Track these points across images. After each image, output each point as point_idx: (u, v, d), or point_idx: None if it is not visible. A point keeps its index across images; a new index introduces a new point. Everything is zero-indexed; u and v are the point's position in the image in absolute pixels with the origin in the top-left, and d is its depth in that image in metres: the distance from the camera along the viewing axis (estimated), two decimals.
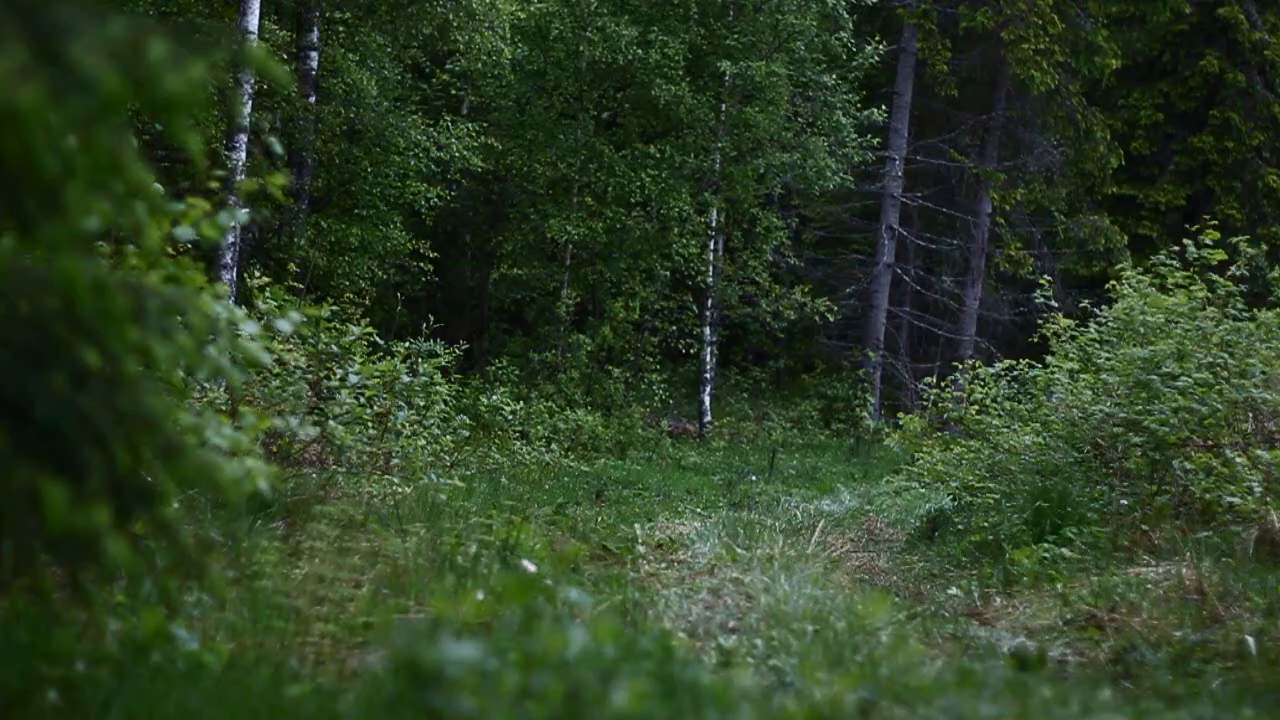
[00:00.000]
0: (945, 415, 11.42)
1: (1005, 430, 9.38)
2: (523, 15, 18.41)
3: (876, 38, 20.95)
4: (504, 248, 20.25)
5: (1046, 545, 6.89)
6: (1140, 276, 8.98)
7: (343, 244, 16.40)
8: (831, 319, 21.62)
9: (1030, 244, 25.64)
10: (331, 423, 6.89)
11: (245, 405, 6.65)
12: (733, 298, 21.06)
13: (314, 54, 16.11)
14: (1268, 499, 6.51)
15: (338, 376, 7.36)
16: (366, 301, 14.87)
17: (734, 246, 21.85)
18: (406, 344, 8.57)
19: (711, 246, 20.52)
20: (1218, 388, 7.40)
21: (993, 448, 9.36)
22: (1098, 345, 9.02)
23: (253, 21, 12.77)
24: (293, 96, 15.60)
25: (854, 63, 20.48)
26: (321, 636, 3.98)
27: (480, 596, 4.33)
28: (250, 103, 12.78)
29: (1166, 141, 25.92)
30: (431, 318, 10.69)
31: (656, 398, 19.75)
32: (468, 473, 10.29)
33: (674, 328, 20.60)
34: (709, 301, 20.72)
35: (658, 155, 19.01)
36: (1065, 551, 6.73)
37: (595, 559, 6.93)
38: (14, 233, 2.45)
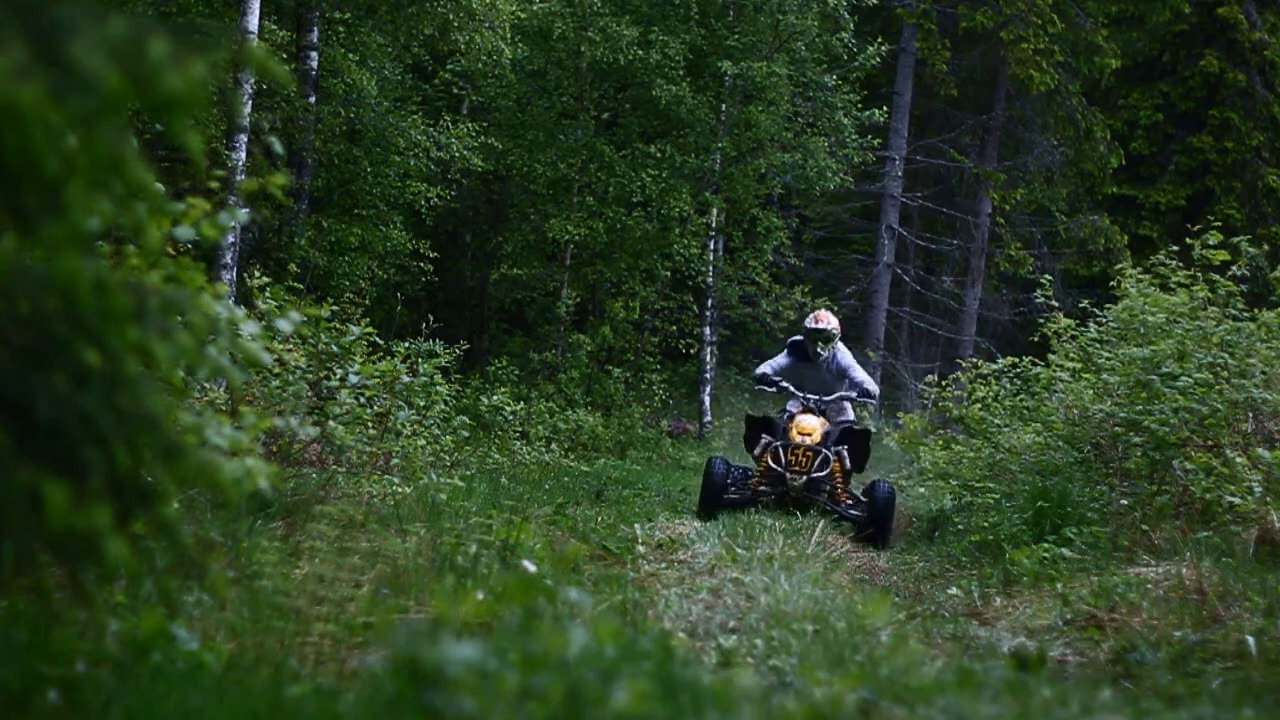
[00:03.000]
0: (947, 414, 11.43)
1: (1006, 430, 9.38)
2: (523, 15, 18.41)
3: (878, 38, 20.95)
4: (504, 248, 20.25)
5: (1046, 545, 6.89)
6: (1143, 275, 8.99)
7: (343, 244, 16.40)
8: None
9: (1030, 244, 25.65)
10: (331, 423, 6.88)
11: (245, 405, 6.65)
12: (733, 298, 21.07)
13: (314, 54, 16.11)
14: (1268, 499, 6.51)
15: (338, 376, 7.36)
16: (366, 301, 14.84)
17: (734, 246, 21.86)
18: (406, 344, 8.57)
19: (711, 246, 20.53)
20: (1218, 388, 7.41)
21: (993, 447, 9.36)
22: (1098, 345, 9.03)
23: (253, 21, 12.77)
24: (293, 96, 15.60)
25: (855, 63, 20.49)
26: (321, 636, 3.98)
27: (480, 596, 4.33)
28: (250, 103, 12.78)
29: (1166, 141, 25.93)
30: (431, 318, 10.67)
31: (656, 398, 19.76)
32: (468, 473, 10.29)
33: (674, 328, 20.60)
34: (709, 301, 20.73)
35: (658, 155, 19.02)
36: (1065, 551, 6.73)
37: (595, 559, 6.93)
38: (14, 232, 2.45)
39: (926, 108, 25.84)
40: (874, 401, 10.72)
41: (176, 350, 2.77)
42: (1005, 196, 24.26)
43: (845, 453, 9.80)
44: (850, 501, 9.70)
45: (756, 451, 9.95)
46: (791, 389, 10.38)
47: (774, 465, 9.68)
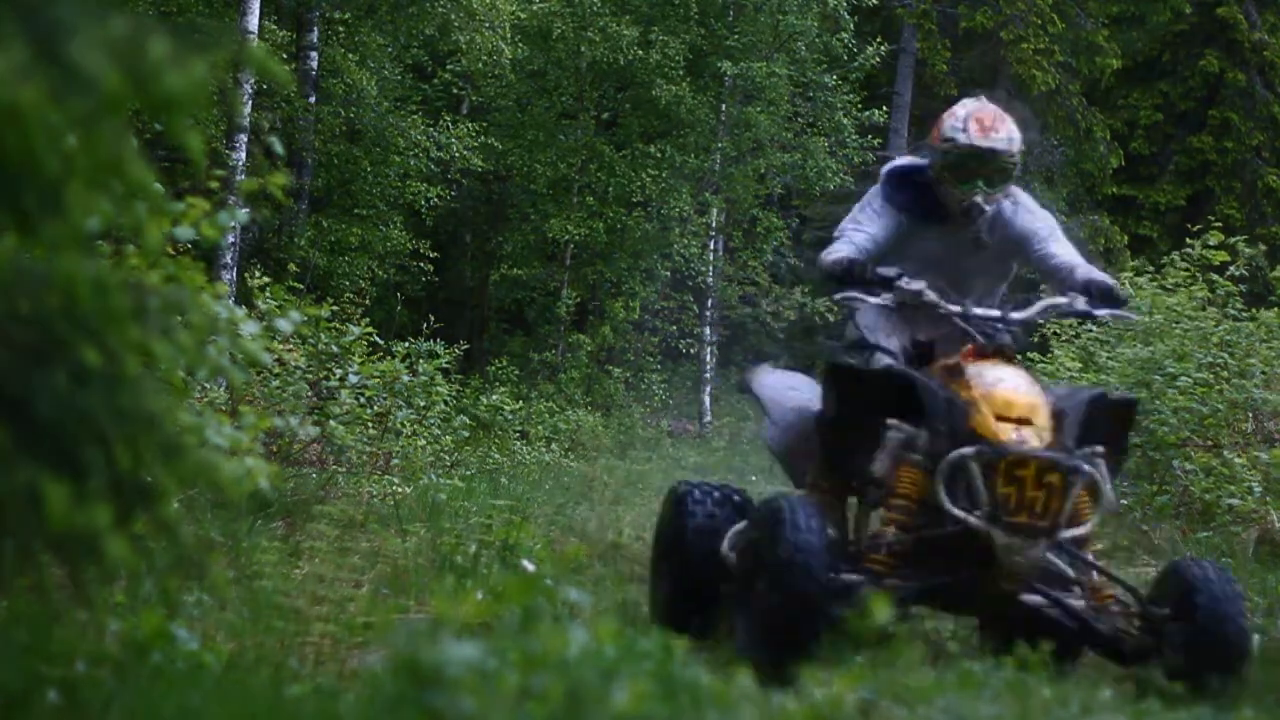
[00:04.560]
0: None
1: None
2: (523, 15, 18.42)
3: (878, 38, 20.96)
4: (504, 248, 20.26)
5: None
6: (1155, 276, 8.98)
7: (343, 244, 16.41)
8: (832, 319, 21.60)
9: None
10: (331, 423, 6.89)
11: (245, 405, 6.65)
12: (733, 298, 21.08)
13: (314, 54, 16.12)
14: (1268, 499, 6.53)
15: (338, 376, 7.36)
16: (366, 301, 14.85)
17: (734, 246, 21.87)
18: (406, 344, 8.57)
19: (711, 246, 20.54)
20: (1218, 388, 7.42)
21: None
22: (1099, 344, 9.04)
23: (253, 21, 12.77)
24: (293, 96, 15.61)
25: (854, 63, 20.50)
26: (321, 636, 3.98)
27: (480, 596, 4.33)
28: (250, 103, 12.80)
29: (1166, 141, 25.92)
30: (431, 318, 10.68)
31: (656, 398, 19.76)
32: (468, 473, 10.28)
33: (674, 328, 20.60)
34: (709, 301, 20.73)
35: (658, 155, 19.02)
36: None
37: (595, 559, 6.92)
38: (14, 232, 2.45)
39: (926, 108, 25.79)
40: (1131, 317, 5.38)
41: (176, 350, 2.77)
42: None
43: (1103, 466, 4.13)
44: (1116, 603, 4.35)
45: (878, 468, 4.20)
46: (928, 293, 4.41)
47: (955, 510, 4.01)
